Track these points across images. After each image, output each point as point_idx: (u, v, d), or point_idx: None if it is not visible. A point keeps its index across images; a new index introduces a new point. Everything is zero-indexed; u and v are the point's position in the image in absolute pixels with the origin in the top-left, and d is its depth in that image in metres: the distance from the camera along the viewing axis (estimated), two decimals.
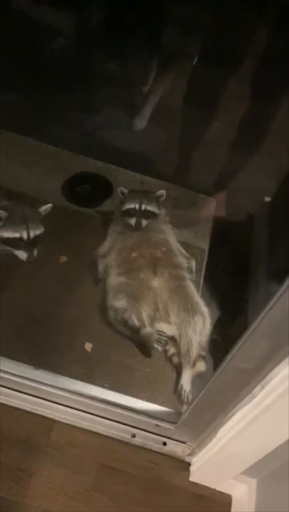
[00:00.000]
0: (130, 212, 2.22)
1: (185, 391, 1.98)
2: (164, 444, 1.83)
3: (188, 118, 2.66)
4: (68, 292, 2.18)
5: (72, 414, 1.85)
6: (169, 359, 2.09)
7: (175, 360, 2.07)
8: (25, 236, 1.86)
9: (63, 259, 2.30)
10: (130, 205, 2.22)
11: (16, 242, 1.86)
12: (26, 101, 2.73)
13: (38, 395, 1.83)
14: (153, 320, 2.06)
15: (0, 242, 1.86)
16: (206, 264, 2.45)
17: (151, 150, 2.85)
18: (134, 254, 2.16)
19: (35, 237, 1.88)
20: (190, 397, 1.97)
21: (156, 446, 1.85)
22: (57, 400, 1.83)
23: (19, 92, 2.71)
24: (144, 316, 2.03)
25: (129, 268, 2.13)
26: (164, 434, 1.82)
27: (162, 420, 1.79)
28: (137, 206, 2.21)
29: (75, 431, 1.86)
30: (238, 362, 1.32)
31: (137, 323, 2.01)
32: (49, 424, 1.86)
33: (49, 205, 1.94)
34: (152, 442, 1.85)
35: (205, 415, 1.61)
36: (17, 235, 1.85)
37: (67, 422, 1.87)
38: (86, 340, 2.07)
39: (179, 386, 1.99)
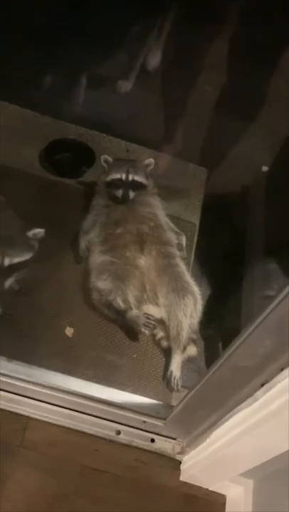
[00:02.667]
0: (116, 184, 2.15)
1: (175, 377, 1.93)
2: (152, 440, 1.77)
3: (178, 80, 2.61)
4: (47, 272, 2.09)
5: (50, 410, 1.76)
6: (158, 343, 2.04)
7: (164, 344, 2.02)
8: None
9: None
10: (116, 176, 2.15)
11: None
12: None
13: (11, 389, 1.74)
14: (140, 302, 2.00)
15: None
16: (197, 239, 2.38)
17: (137, 115, 2.75)
18: (119, 230, 2.08)
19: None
20: (180, 383, 1.93)
21: (144, 444, 1.78)
22: (32, 395, 1.74)
23: None
24: (130, 297, 1.97)
25: (113, 245, 2.06)
26: (152, 430, 1.76)
27: (150, 416, 1.72)
28: (124, 176, 2.14)
29: (53, 429, 1.77)
30: (238, 359, 1.25)
31: (122, 305, 1.95)
32: (23, 422, 1.76)
33: (39, 231, 1.86)
34: (139, 439, 1.78)
35: (198, 413, 1.54)
36: None
37: (43, 419, 1.78)
38: (67, 325, 2.00)
39: (168, 372, 1.95)
